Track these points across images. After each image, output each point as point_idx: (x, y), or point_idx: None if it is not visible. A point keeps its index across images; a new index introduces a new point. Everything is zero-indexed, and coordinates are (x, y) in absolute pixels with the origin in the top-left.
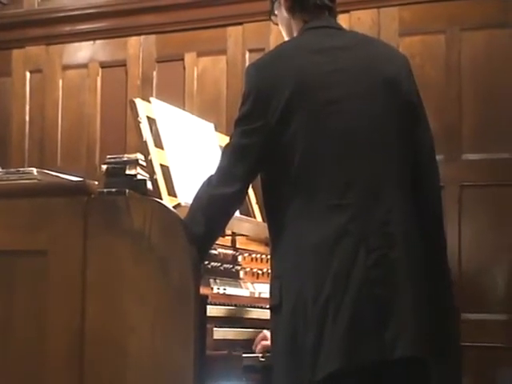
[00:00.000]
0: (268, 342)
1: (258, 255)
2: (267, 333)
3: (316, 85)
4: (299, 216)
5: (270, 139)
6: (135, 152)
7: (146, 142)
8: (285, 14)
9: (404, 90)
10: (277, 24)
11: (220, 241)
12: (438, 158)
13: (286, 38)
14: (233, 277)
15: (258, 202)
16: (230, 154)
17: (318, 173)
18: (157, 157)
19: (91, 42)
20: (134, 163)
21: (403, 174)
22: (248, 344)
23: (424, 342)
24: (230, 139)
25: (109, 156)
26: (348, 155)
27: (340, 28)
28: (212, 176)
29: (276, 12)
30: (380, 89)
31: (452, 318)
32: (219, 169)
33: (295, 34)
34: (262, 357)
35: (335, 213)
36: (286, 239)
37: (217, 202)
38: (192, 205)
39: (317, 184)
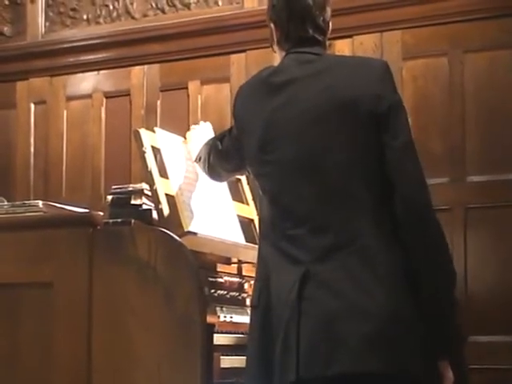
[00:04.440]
0: None
1: None
2: None
3: (278, 124)
4: (266, 242)
5: (244, 164)
6: (140, 182)
7: (150, 171)
8: (276, 44)
9: (366, 108)
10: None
11: (226, 269)
12: (443, 180)
13: None
14: (239, 304)
15: None
16: (220, 152)
17: (277, 206)
18: (162, 186)
19: (95, 73)
20: (139, 193)
21: (365, 193)
22: None
23: (373, 359)
24: (223, 136)
25: (114, 186)
26: (301, 186)
27: (319, 54)
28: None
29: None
30: (338, 113)
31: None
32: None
33: None
34: None
35: (289, 242)
36: (259, 261)
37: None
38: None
39: (277, 216)
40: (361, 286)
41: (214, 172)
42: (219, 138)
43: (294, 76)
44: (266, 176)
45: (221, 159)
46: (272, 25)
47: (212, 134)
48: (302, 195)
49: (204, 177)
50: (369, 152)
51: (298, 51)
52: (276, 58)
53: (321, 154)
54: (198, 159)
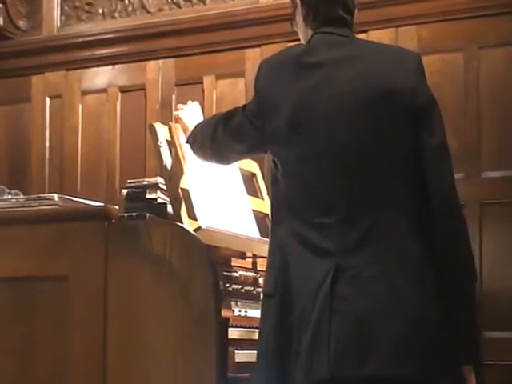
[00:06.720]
0: None
1: None
2: None
3: (311, 105)
4: (282, 227)
5: (262, 144)
6: (155, 176)
7: (165, 165)
8: (301, 21)
9: (403, 100)
10: (297, 31)
11: (241, 263)
12: (458, 176)
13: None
14: (254, 299)
15: None
16: (230, 130)
17: (302, 191)
18: None
19: (110, 67)
20: (155, 187)
21: (397, 187)
22: None
23: (403, 360)
24: (234, 113)
25: (129, 180)
26: (333, 173)
27: (348, 36)
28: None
29: (297, 18)
30: (374, 102)
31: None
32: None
33: None
34: None
35: (314, 230)
36: (272, 247)
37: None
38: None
39: (301, 201)
40: (393, 285)
41: (219, 155)
42: (224, 117)
43: (327, 57)
44: (291, 157)
45: (231, 140)
46: (298, 1)
47: (201, 115)
48: (332, 183)
49: (218, 170)
50: (403, 145)
51: (327, 31)
52: None
53: (354, 144)
54: (192, 142)
